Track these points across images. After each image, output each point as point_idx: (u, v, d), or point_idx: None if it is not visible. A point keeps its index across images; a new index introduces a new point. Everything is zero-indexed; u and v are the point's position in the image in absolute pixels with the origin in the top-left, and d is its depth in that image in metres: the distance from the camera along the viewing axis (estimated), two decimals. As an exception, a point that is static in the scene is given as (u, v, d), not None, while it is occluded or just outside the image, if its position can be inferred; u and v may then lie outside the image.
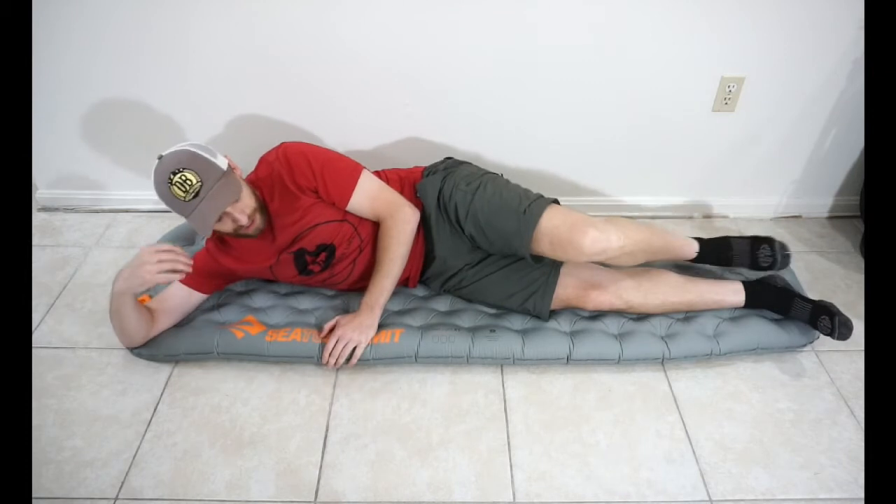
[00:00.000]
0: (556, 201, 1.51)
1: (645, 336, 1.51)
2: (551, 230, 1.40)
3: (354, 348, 1.44)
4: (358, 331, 1.44)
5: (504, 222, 1.45)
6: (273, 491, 1.24)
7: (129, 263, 1.31)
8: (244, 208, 1.36)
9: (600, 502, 1.23)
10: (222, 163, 1.34)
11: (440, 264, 1.59)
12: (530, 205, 1.44)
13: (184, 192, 1.27)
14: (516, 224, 1.43)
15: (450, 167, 1.61)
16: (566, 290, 1.53)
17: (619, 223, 1.46)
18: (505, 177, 1.63)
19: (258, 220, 1.40)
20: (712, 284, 1.58)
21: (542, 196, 1.49)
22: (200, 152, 1.31)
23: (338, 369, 1.49)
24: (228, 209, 1.33)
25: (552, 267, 1.53)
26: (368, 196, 1.50)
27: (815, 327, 1.49)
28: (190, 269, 1.31)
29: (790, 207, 2.10)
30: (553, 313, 1.57)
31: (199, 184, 1.27)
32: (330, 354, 1.43)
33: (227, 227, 1.37)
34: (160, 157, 1.29)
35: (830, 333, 1.45)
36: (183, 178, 1.26)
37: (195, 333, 1.49)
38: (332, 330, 1.47)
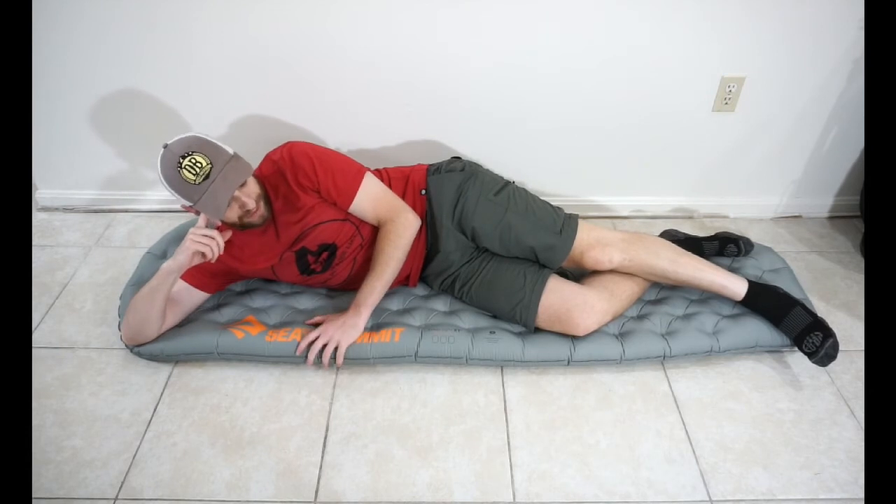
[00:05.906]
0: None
1: (645, 335, 1.51)
2: (581, 253, 1.56)
3: (336, 347, 1.43)
4: (341, 329, 1.44)
5: (539, 240, 1.54)
6: (273, 491, 1.24)
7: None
8: (250, 193, 1.37)
9: (600, 502, 1.23)
10: (229, 149, 1.36)
11: (443, 260, 1.59)
12: (563, 224, 1.56)
13: (194, 174, 1.28)
14: (553, 241, 1.54)
15: (468, 169, 1.60)
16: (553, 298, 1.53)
17: (630, 249, 1.54)
18: (507, 178, 1.64)
19: (262, 207, 1.41)
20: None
21: (567, 214, 1.60)
22: (208, 138, 1.33)
23: (338, 370, 1.49)
24: (237, 193, 1.33)
25: (539, 275, 1.53)
26: (371, 199, 1.50)
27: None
28: (215, 257, 1.37)
29: (790, 207, 2.10)
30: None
31: (210, 166, 1.29)
32: (310, 350, 1.42)
33: (233, 213, 1.37)
34: (166, 146, 1.31)
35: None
36: (193, 160, 1.28)
37: (195, 333, 1.49)
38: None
